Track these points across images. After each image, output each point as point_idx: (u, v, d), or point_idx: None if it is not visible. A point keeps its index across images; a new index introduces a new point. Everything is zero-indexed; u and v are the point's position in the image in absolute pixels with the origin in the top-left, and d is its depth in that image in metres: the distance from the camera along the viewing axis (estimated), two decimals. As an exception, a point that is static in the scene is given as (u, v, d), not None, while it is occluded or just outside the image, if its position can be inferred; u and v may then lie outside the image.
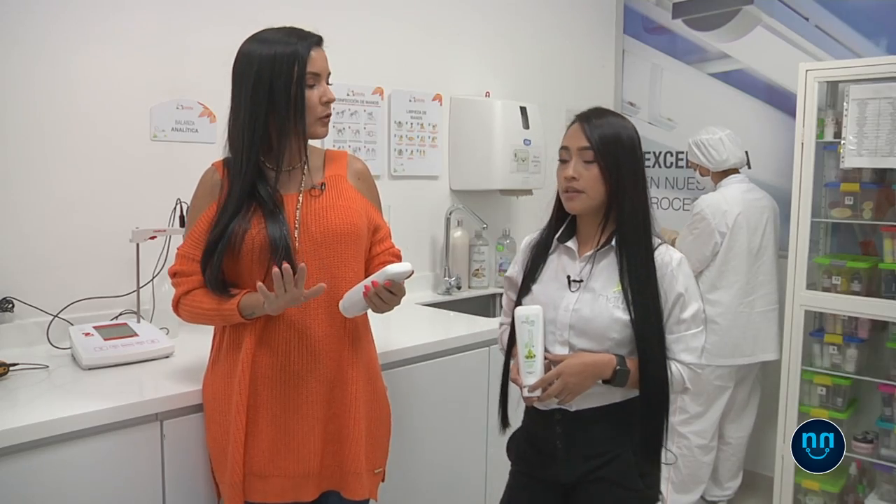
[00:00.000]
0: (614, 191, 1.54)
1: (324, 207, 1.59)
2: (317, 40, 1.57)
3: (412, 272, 1.50)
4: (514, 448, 1.73)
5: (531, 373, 1.52)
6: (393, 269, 1.49)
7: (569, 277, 1.59)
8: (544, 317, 1.56)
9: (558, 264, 1.63)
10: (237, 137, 1.55)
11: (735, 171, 2.96)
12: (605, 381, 1.52)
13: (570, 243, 1.62)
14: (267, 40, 1.54)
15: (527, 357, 1.53)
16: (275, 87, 1.51)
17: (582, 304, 1.56)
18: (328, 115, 1.59)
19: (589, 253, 1.59)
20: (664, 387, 1.54)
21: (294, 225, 1.56)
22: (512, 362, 1.63)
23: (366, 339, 1.69)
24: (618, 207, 1.55)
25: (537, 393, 1.52)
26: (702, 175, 3.03)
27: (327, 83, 1.59)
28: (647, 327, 1.52)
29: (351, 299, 1.53)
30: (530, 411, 1.66)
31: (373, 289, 1.49)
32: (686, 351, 1.57)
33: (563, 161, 1.58)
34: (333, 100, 1.59)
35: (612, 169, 1.53)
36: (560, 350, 1.57)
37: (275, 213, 1.53)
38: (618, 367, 1.51)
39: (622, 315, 1.52)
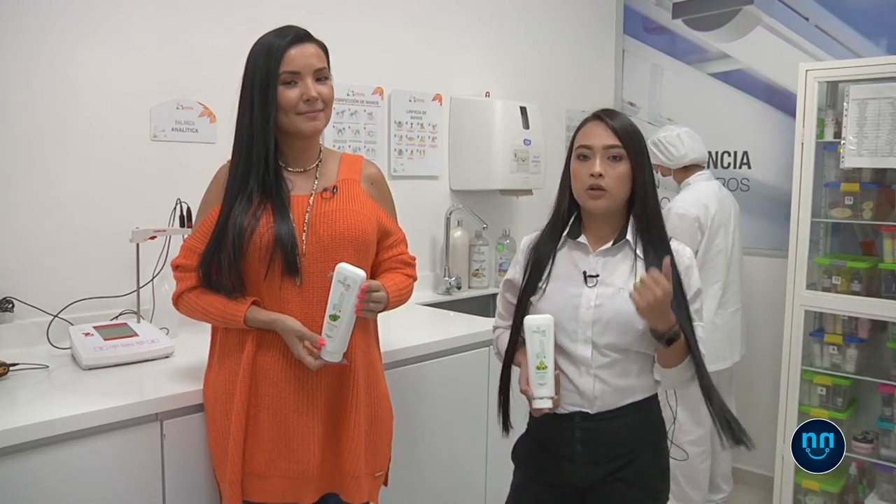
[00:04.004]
0: (640, 185, 1.53)
1: (333, 210, 1.58)
2: (294, 37, 1.53)
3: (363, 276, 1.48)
4: (521, 453, 1.68)
5: (543, 384, 1.49)
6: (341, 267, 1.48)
7: (584, 273, 1.56)
8: (561, 317, 1.53)
9: (569, 261, 1.60)
10: (235, 137, 1.56)
11: (699, 168, 2.89)
12: (659, 336, 1.46)
13: (581, 239, 1.59)
14: (261, 40, 1.55)
15: (538, 368, 1.49)
16: (255, 87, 1.52)
17: (603, 299, 1.53)
18: (312, 112, 1.54)
19: (604, 247, 1.57)
20: (703, 366, 1.52)
21: (302, 227, 1.56)
22: (518, 371, 1.59)
23: (369, 341, 1.67)
24: (642, 202, 1.54)
25: (548, 404, 1.49)
26: (662, 175, 2.93)
27: (322, 78, 1.56)
28: (682, 316, 1.49)
29: (332, 345, 1.50)
30: (544, 415, 1.60)
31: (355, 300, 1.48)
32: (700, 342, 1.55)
33: (584, 157, 1.54)
34: (315, 97, 1.53)
35: (638, 163, 1.53)
36: (583, 348, 1.53)
37: (284, 212, 1.53)
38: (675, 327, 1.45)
39: None
